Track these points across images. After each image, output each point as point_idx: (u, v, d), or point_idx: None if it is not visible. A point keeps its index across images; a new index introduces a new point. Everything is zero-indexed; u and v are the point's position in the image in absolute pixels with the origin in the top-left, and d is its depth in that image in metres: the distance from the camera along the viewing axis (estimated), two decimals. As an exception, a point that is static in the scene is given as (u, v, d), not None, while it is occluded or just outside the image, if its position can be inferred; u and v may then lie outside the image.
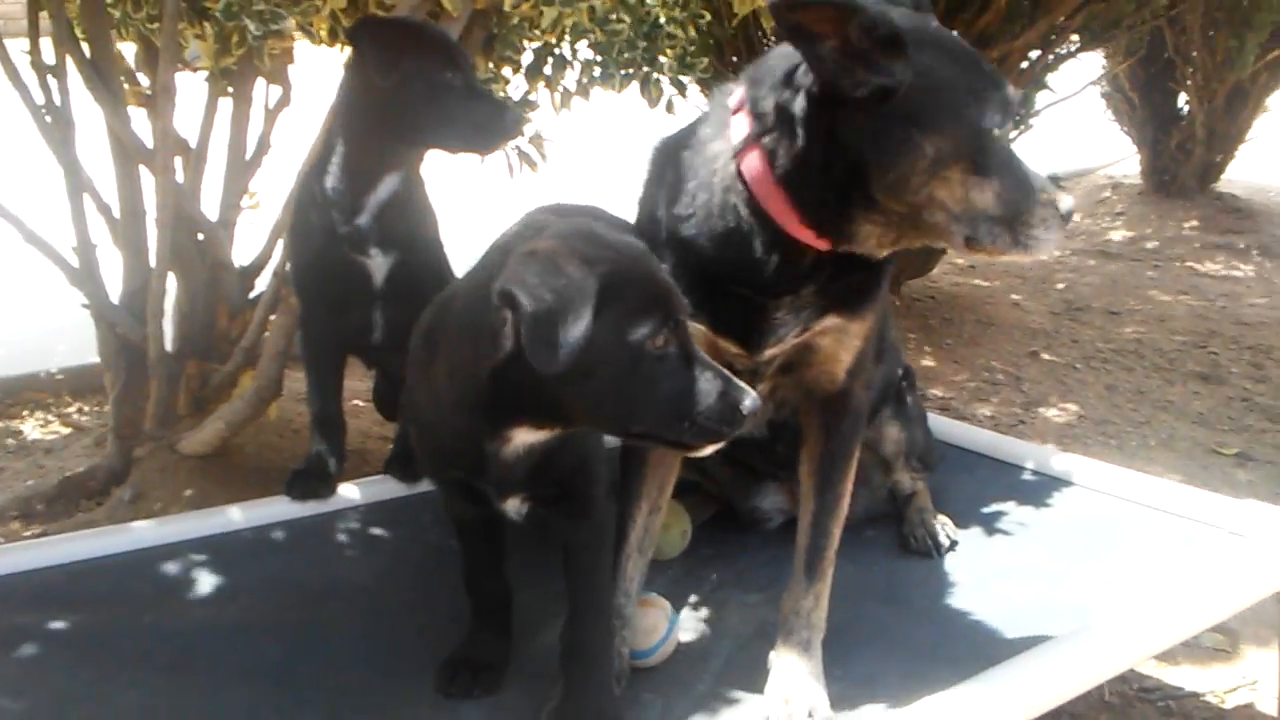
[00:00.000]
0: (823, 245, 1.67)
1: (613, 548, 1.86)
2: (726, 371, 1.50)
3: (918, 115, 1.51)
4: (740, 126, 1.68)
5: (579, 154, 4.62)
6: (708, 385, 1.49)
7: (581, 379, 1.44)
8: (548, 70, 3.70)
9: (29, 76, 2.88)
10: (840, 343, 1.84)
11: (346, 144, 2.27)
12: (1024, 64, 4.52)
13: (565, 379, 1.42)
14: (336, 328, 2.45)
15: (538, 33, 3.51)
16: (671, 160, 1.83)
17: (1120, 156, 8.51)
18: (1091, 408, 4.21)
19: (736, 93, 1.73)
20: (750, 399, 1.48)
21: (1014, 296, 5.62)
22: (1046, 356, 4.76)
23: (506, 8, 2.47)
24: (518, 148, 3.77)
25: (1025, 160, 1.61)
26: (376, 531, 2.36)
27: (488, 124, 2.20)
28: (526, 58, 3.60)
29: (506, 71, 3.64)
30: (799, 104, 1.58)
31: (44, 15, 2.90)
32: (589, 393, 1.47)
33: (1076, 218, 7.52)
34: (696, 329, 1.75)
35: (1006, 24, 4.27)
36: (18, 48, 2.91)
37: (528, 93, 3.71)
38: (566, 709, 1.73)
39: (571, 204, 1.92)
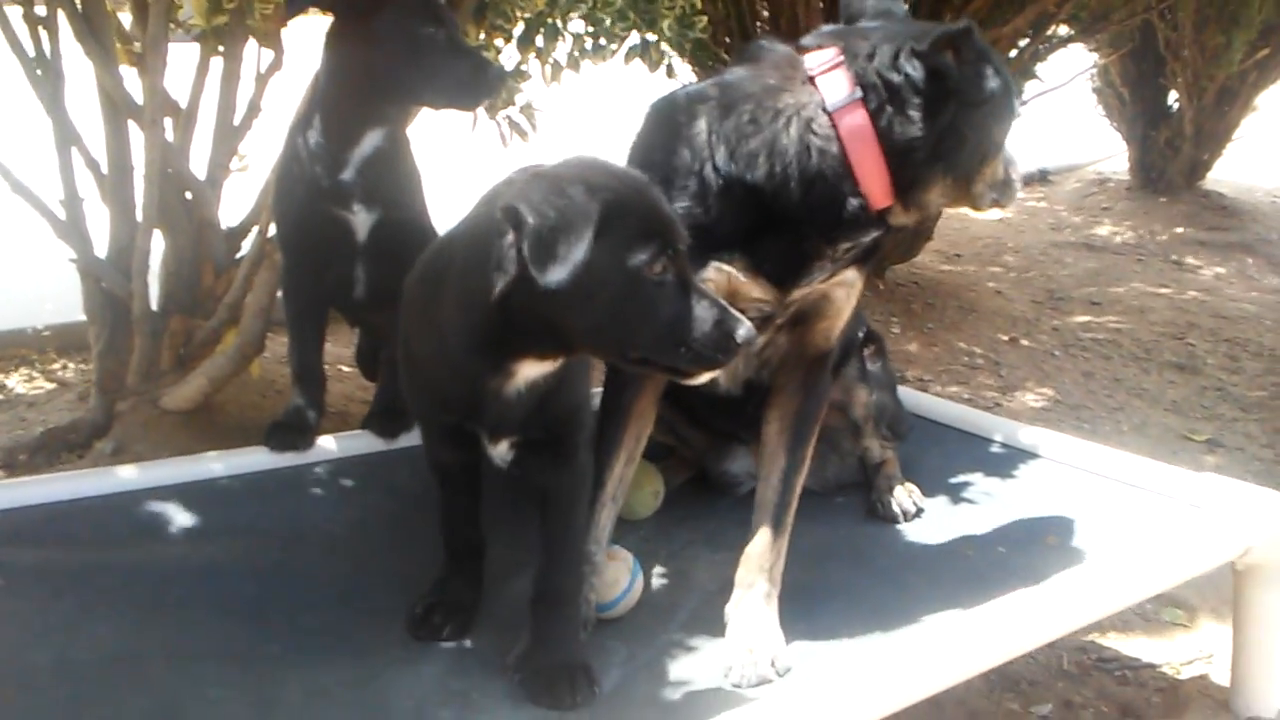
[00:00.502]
0: (883, 203, 1.84)
1: (589, 499, 1.91)
2: (723, 301, 1.57)
3: (997, 112, 1.85)
4: (835, 87, 1.82)
5: (571, 123, 4.64)
6: (704, 313, 1.54)
7: (583, 300, 1.48)
8: (539, 42, 3.73)
9: (20, 28, 2.88)
10: (849, 297, 1.99)
11: (329, 98, 2.29)
12: (1013, 52, 4.56)
13: (567, 299, 1.46)
14: (319, 282, 2.47)
15: (530, 2, 3.54)
16: (718, 110, 1.89)
17: (1109, 153, 8.56)
18: (1067, 393, 4.26)
19: (819, 55, 1.86)
20: (745, 328, 1.54)
21: (996, 285, 5.67)
22: (1026, 343, 4.81)
23: (495, -30, 2.48)
24: (508, 117, 3.80)
25: None
26: (352, 484, 2.39)
27: (470, 80, 2.23)
28: (518, 29, 3.62)
29: (498, 42, 3.66)
30: (923, 88, 1.79)
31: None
32: (590, 315, 1.52)
33: (1063, 212, 7.61)
34: (727, 270, 1.88)
35: (995, 10, 4.31)
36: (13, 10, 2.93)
37: (519, 63, 3.73)
38: (534, 653, 1.77)
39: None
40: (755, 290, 1.90)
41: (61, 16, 2.90)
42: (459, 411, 1.74)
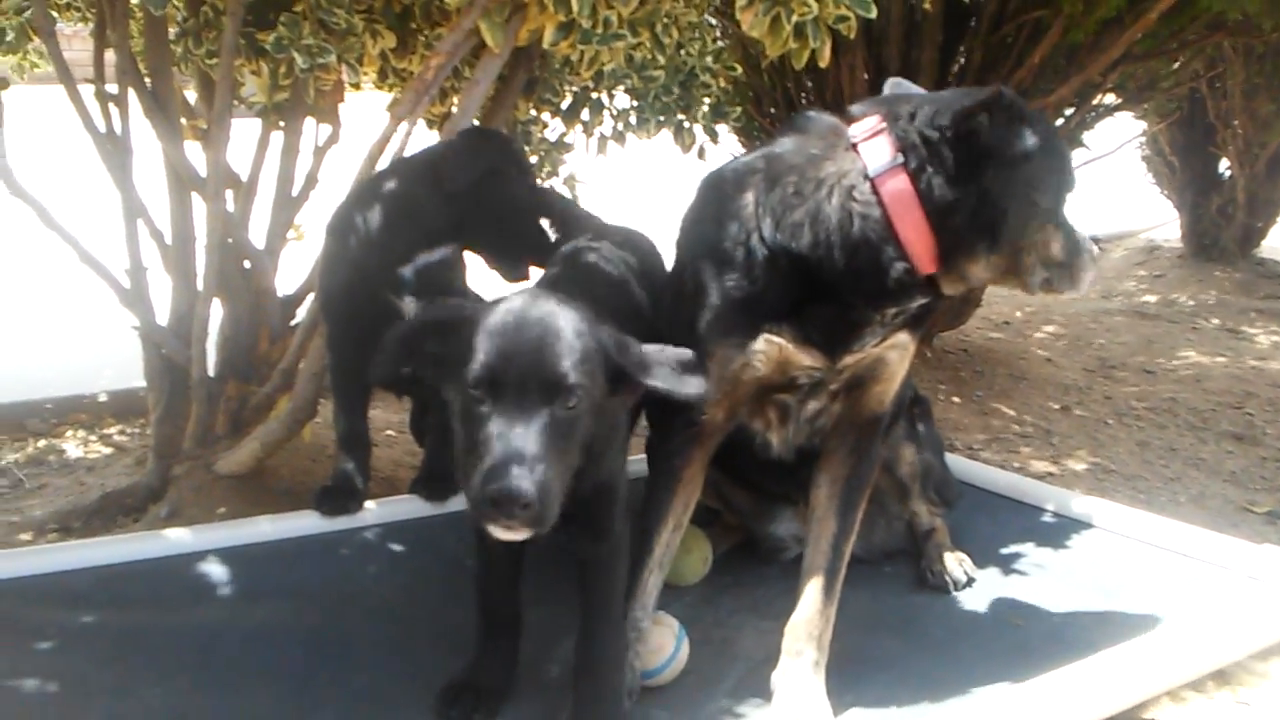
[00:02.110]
0: (929, 269, 1.82)
1: (627, 566, 1.89)
2: (518, 450, 1.46)
3: (1038, 176, 1.81)
4: (878, 153, 1.82)
5: (611, 196, 4.71)
6: (490, 453, 1.47)
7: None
8: (585, 115, 3.82)
9: (93, 106, 3.01)
10: (902, 360, 1.98)
11: (409, 213, 2.39)
12: (1059, 120, 4.56)
13: None
14: (363, 354, 2.51)
15: (577, 78, 3.64)
16: (765, 182, 1.91)
17: (1160, 220, 8.49)
18: (1122, 463, 4.17)
19: (864, 123, 1.87)
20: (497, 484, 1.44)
21: (1047, 353, 5.60)
22: (1078, 412, 4.73)
23: (546, 45, 2.55)
24: (551, 187, 3.88)
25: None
26: (400, 548, 2.41)
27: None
28: (565, 103, 3.72)
29: (545, 115, 3.76)
30: (959, 149, 1.78)
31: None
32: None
33: (1113, 280, 7.53)
34: (777, 341, 1.88)
35: (1040, 79, 4.33)
36: (84, 75, 3.06)
37: (563, 135, 3.83)
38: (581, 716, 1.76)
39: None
40: (806, 359, 1.89)
41: (131, 94, 3.03)
42: None
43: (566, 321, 1.58)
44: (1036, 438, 4.37)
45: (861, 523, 2.06)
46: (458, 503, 2.51)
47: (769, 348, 1.88)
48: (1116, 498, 3.78)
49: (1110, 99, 5.01)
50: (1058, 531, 2.55)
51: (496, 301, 1.63)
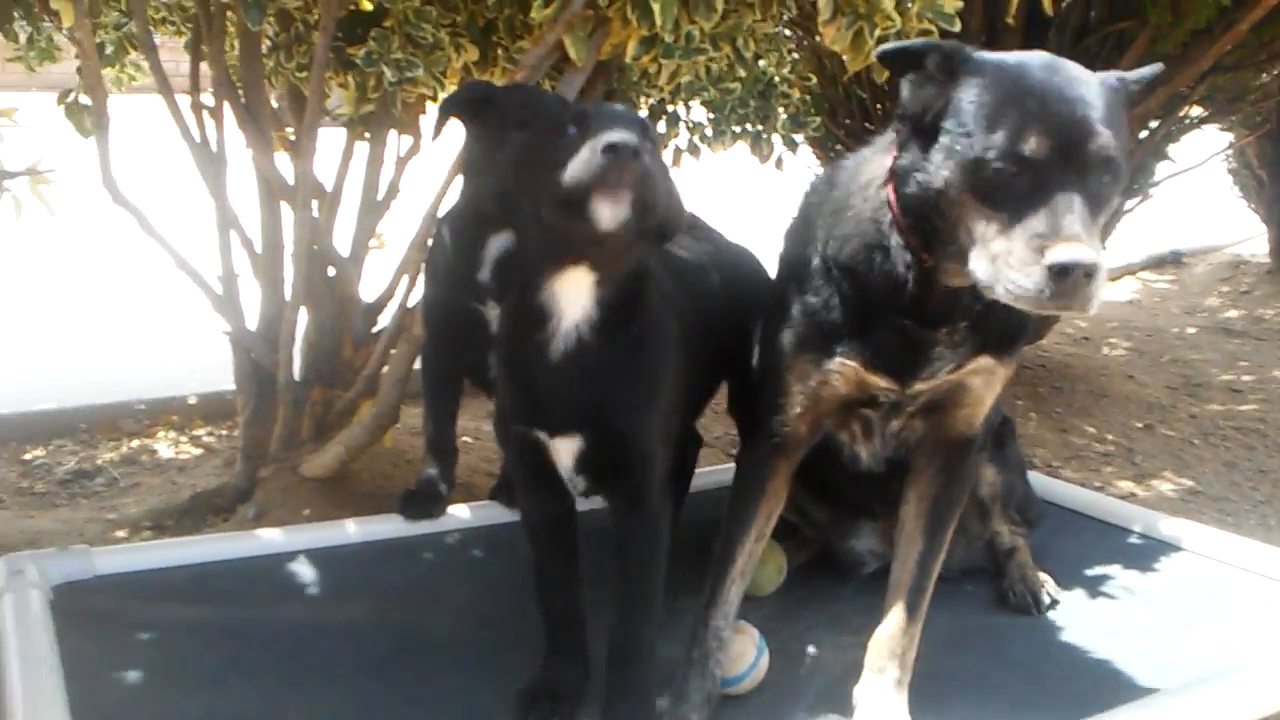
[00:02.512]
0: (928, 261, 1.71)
1: (666, 550, 1.86)
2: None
3: (964, 146, 1.55)
4: (891, 155, 1.75)
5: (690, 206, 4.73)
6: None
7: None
8: (661, 127, 3.85)
9: (189, 117, 3.12)
10: (989, 386, 1.87)
11: (465, 201, 2.44)
12: (1143, 133, 4.48)
13: None
14: (455, 362, 2.58)
15: (654, 90, 3.66)
16: (827, 193, 1.89)
17: (1247, 235, 8.27)
18: (1208, 484, 4.08)
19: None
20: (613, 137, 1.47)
21: (1128, 370, 5.49)
22: (1162, 431, 4.63)
23: (629, 59, 2.58)
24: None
25: (1069, 205, 1.51)
26: (480, 552, 2.45)
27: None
28: (642, 114, 3.75)
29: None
30: (912, 133, 1.67)
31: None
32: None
33: (1197, 295, 7.34)
34: (850, 364, 1.83)
35: (1125, 92, 4.25)
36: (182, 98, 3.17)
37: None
38: (609, 712, 1.78)
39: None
40: (880, 381, 1.84)
41: (226, 106, 3.13)
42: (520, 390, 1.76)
43: None
44: (1119, 457, 4.29)
45: (942, 540, 2.03)
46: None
47: (844, 370, 1.84)
48: (1204, 520, 3.69)
49: (1197, 111, 4.90)
50: (1144, 554, 2.49)
51: None
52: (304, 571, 2.28)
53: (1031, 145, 1.51)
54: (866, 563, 2.39)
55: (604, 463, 1.76)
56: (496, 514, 2.55)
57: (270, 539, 2.36)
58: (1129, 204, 4.89)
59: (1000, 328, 1.82)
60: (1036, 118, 1.52)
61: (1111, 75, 1.65)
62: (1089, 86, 1.57)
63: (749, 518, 2.01)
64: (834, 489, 2.28)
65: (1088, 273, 1.44)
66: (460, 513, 2.54)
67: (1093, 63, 4.19)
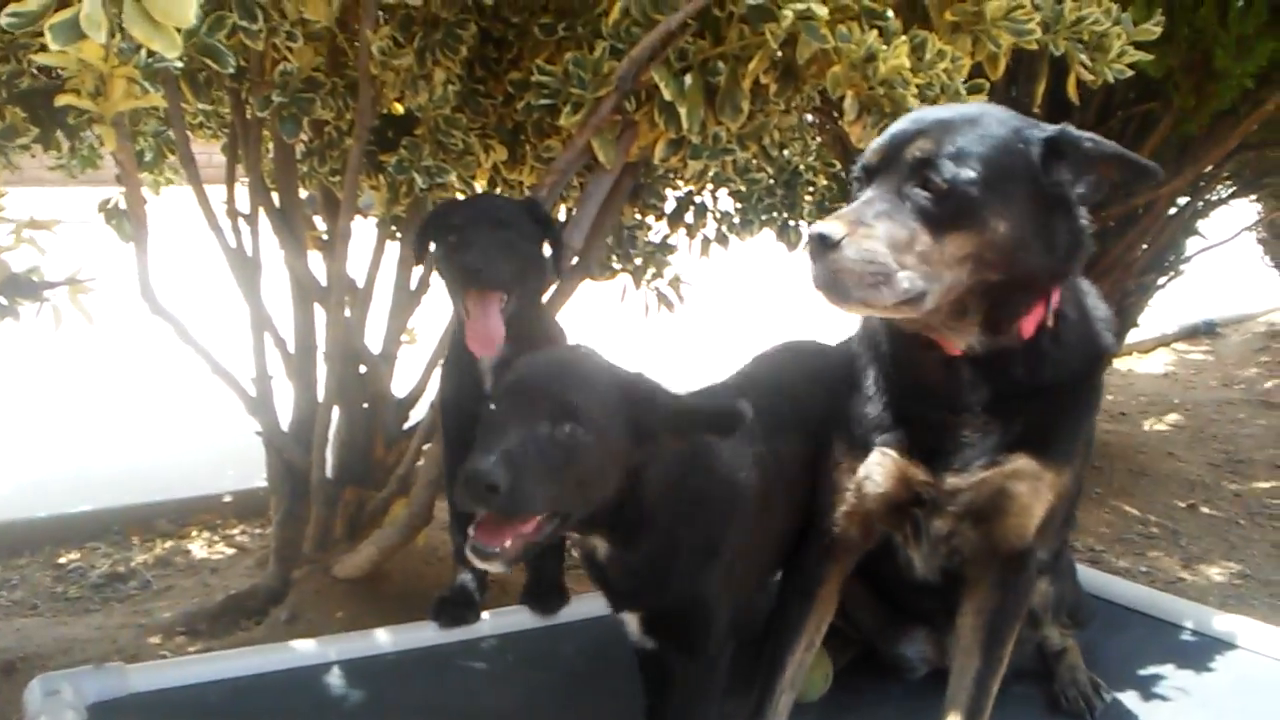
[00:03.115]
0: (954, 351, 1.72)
1: (718, 692, 1.88)
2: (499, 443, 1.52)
3: None
4: None
5: (718, 296, 4.75)
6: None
7: None
8: (689, 218, 3.88)
9: (224, 223, 3.17)
10: (1035, 494, 1.79)
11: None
12: (1171, 210, 4.47)
13: None
14: None
15: (681, 182, 3.70)
16: None
17: (1280, 303, 8.20)
18: (1257, 567, 3.96)
19: None
20: (468, 465, 1.51)
21: (1168, 446, 5.39)
22: (1206, 510, 4.53)
23: (657, 160, 2.61)
24: (656, 289, 3.93)
25: (862, 199, 1.64)
26: (516, 659, 2.40)
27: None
28: (669, 205, 3.78)
29: (649, 219, 3.83)
30: None
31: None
32: None
33: (1234, 367, 7.24)
34: (890, 453, 1.81)
35: (1152, 171, 4.25)
36: (216, 195, 3.23)
37: (667, 236, 3.88)
38: None
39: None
40: (919, 473, 1.81)
41: (260, 210, 3.18)
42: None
43: (590, 362, 1.69)
44: (1164, 539, 4.19)
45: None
46: (569, 613, 2.51)
47: (884, 459, 1.82)
48: (1254, 606, 3.59)
49: (1225, 186, 4.88)
50: (1198, 651, 2.41)
51: None
52: (339, 684, 2.24)
53: (866, 155, 1.68)
54: (916, 668, 2.32)
55: (667, 626, 1.85)
56: (529, 619, 2.50)
57: (304, 650, 2.33)
58: (1161, 280, 4.86)
59: (1034, 421, 1.77)
60: (883, 136, 1.68)
61: (1039, 126, 1.66)
62: (961, 117, 1.63)
63: (799, 626, 1.98)
64: (888, 595, 2.23)
65: (822, 240, 1.54)
66: (493, 619, 2.50)
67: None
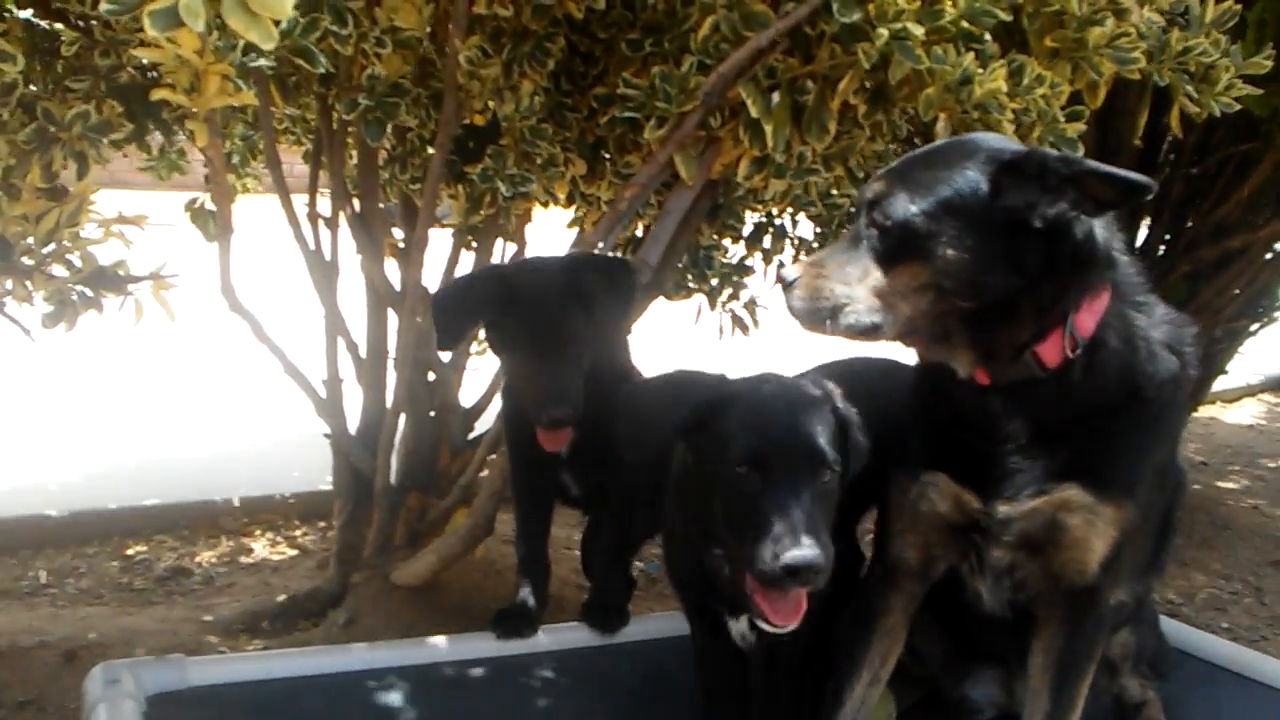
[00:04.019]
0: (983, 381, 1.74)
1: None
2: (799, 525, 1.61)
3: None
4: None
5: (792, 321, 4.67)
6: (773, 529, 1.61)
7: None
8: (767, 242, 3.83)
9: (306, 227, 3.20)
10: (1091, 527, 1.75)
11: None
12: (1268, 255, 4.30)
13: None
14: (539, 482, 2.56)
15: (759, 206, 3.66)
16: None
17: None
18: (1345, 630, 3.77)
19: None
20: (794, 553, 1.59)
21: (1252, 499, 5.18)
22: (1292, 568, 4.34)
23: (740, 179, 2.57)
24: (731, 310, 3.88)
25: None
26: (571, 678, 2.36)
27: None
28: (747, 228, 3.74)
29: (726, 241, 3.79)
30: None
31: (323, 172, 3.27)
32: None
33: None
34: (941, 477, 1.81)
35: (1249, 214, 4.10)
36: (298, 202, 3.27)
37: (744, 258, 3.84)
38: None
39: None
40: (972, 500, 1.79)
41: (340, 215, 3.21)
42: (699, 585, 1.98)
43: (817, 400, 1.79)
44: (1246, 596, 4.02)
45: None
46: (628, 634, 2.46)
47: (937, 482, 1.81)
48: (1344, 671, 3.41)
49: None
50: (1288, 714, 2.29)
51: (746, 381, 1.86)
52: (395, 691, 2.22)
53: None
54: (982, 711, 2.23)
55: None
56: (588, 637, 2.46)
57: (362, 655, 2.32)
58: (1253, 326, 4.68)
59: (1082, 451, 1.73)
60: None
61: (1008, 152, 1.67)
62: (929, 151, 1.76)
63: (859, 660, 1.93)
64: (956, 628, 2.15)
65: (781, 281, 1.82)
66: (551, 635, 2.46)
67: (1211, 184, 4.09)
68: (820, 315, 1.70)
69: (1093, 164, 1.59)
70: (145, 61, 2.49)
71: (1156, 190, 1.61)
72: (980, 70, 2.25)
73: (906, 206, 1.63)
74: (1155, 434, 1.79)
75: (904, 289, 1.64)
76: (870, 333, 1.68)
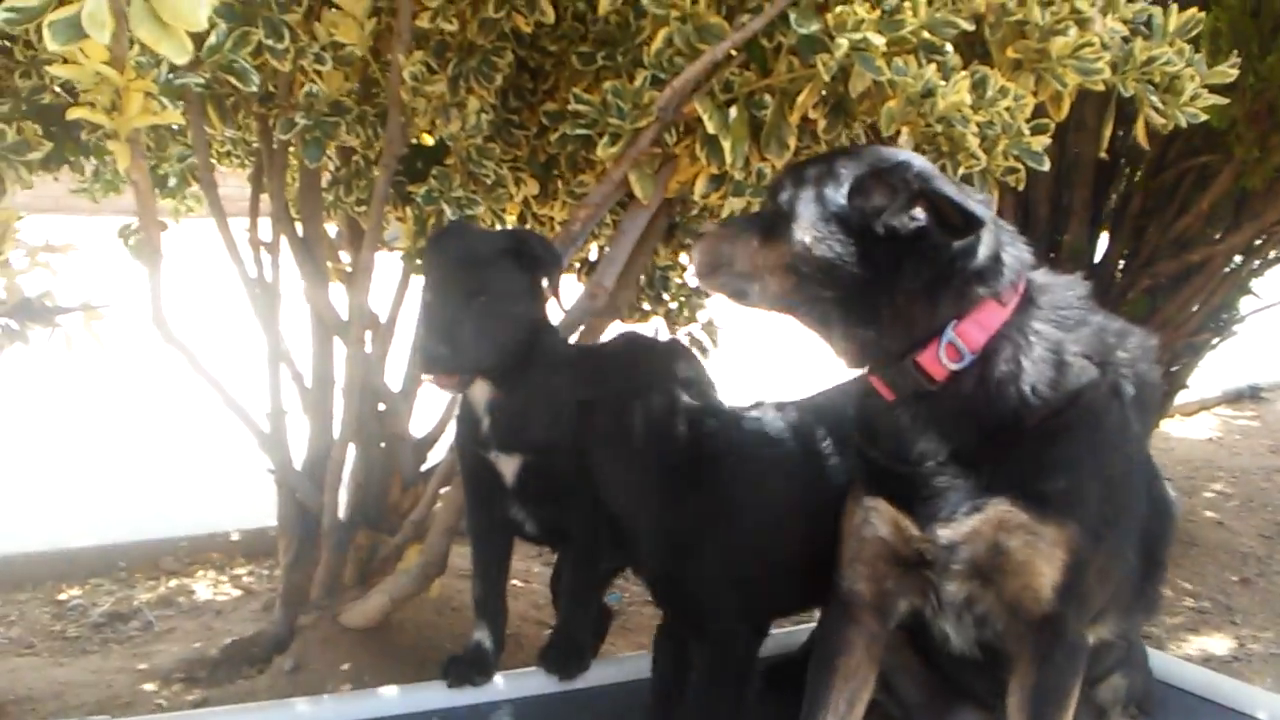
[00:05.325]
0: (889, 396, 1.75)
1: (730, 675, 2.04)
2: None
3: None
4: None
5: (751, 340, 4.59)
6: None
7: None
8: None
9: (246, 253, 3.06)
10: (1034, 549, 1.69)
11: None
12: (1227, 269, 4.29)
13: None
14: (492, 518, 2.44)
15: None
16: None
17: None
18: (1317, 646, 3.73)
19: None
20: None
21: (1216, 515, 5.15)
22: (1260, 584, 4.30)
23: (697, 197, 2.48)
24: (690, 333, 3.79)
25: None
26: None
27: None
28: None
29: (683, 260, 3.70)
30: None
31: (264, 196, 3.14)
32: None
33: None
34: (880, 503, 1.77)
35: (1209, 228, 4.09)
36: (238, 226, 3.13)
37: (705, 281, 3.75)
38: None
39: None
40: (911, 526, 1.74)
41: (283, 240, 3.08)
42: None
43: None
44: (1216, 614, 3.97)
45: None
46: (589, 679, 2.34)
47: (878, 504, 1.78)
48: (1320, 691, 3.36)
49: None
50: (1274, 745, 2.21)
51: None
52: (338, 748, 2.08)
53: None
54: (962, 752, 2.13)
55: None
56: (545, 683, 2.33)
57: (302, 711, 2.17)
58: (1213, 340, 4.66)
59: (1007, 468, 1.69)
60: None
61: (885, 163, 1.75)
62: (830, 153, 1.94)
63: (822, 703, 1.86)
64: (938, 670, 2.05)
65: (695, 236, 2.05)
66: (507, 681, 2.34)
67: (1170, 196, 4.07)
68: (706, 270, 1.87)
69: (939, 187, 1.66)
70: (69, 81, 2.36)
71: (984, 224, 1.65)
72: (943, 82, 2.18)
73: (787, 193, 1.77)
74: (1085, 447, 1.71)
75: (772, 265, 1.76)
76: (741, 297, 1.83)
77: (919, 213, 1.65)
